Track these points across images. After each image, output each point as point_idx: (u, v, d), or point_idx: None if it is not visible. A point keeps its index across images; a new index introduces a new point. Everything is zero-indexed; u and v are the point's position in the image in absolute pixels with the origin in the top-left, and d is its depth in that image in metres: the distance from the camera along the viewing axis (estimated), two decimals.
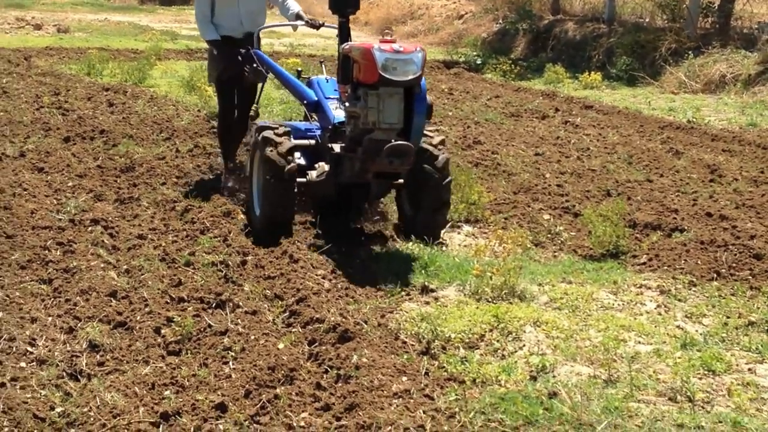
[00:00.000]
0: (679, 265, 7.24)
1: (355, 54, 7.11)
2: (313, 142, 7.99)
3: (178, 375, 5.07)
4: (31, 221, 7.50)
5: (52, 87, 14.52)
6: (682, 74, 18.08)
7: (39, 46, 20.95)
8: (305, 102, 8.42)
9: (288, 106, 13.54)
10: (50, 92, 13.91)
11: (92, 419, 4.55)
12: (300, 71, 9.09)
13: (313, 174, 7.63)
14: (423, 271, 6.91)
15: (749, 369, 5.35)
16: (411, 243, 7.48)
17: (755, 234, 7.81)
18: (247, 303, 6.08)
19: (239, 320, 5.81)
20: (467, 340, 5.64)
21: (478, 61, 22.47)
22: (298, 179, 7.46)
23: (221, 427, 4.56)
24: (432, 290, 6.61)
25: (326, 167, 7.58)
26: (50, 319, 5.70)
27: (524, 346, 5.59)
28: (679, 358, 5.44)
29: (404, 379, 5.00)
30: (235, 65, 8.91)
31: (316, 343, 5.45)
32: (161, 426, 4.56)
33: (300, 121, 9.04)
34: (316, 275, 6.57)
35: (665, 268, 7.22)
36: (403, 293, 6.46)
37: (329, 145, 7.62)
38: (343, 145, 7.45)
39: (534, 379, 5.16)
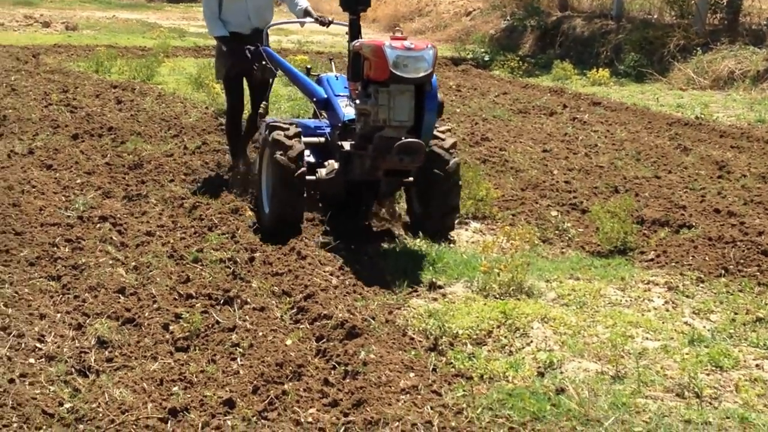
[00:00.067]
0: (686, 261, 7.23)
1: (365, 51, 7.09)
2: (322, 139, 7.97)
3: (186, 371, 5.08)
4: (39, 218, 7.52)
5: (60, 84, 14.55)
6: (690, 70, 18.05)
7: (47, 43, 20.98)
8: (315, 99, 8.40)
9: (296, 102, 13.55)
10: (58, 90, 13.93)
11: (101, 415, 4.57)
12: (309, 68, 9.09)
13: (322, 172, 7.62)
14: (430, 268, 6.92)
15: (757, 365, 5.34)
16: (419, 240, 7.48)
17: (763, 230, 7.79)
18: (255, 299, 6.09)
19: (247, 317, 5.82)
20: (475, 337, 5.65)
21: (486, 58, 22.45)
22: (308, 177, 7.45)
23: (229, 423, 4.57)
24: (440, 287, 6.62)
25: (336, 165, 7.57)
26: (59, 315, 5.72)
27: (532, 342, 5.60)
28: (687, 354, 5.44)
29: (412, 375, 5.00)
30: (244, 62, 8.90)
31: (324, 340, 5.47)
32: (169, 422, 4.57)
33: (309, 118, 9.04)
34: (324, 272, 6.58)
35: (673, 264, 7.21)
36: (410, 290, 6.47)
37: (339, 142, 7.60)
38: (352, 142, 7.43)
39: (541, 375, 5.17)
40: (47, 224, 7.39)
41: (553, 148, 11.61)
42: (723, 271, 6.99)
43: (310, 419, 4.59)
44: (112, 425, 4.48)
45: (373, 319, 5.71)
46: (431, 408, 4.62)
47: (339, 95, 8.10)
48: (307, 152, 7.61)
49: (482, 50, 23.40)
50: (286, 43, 23.42)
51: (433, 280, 6.69)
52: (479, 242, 7.76)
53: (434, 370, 5.16)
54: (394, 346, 5.42)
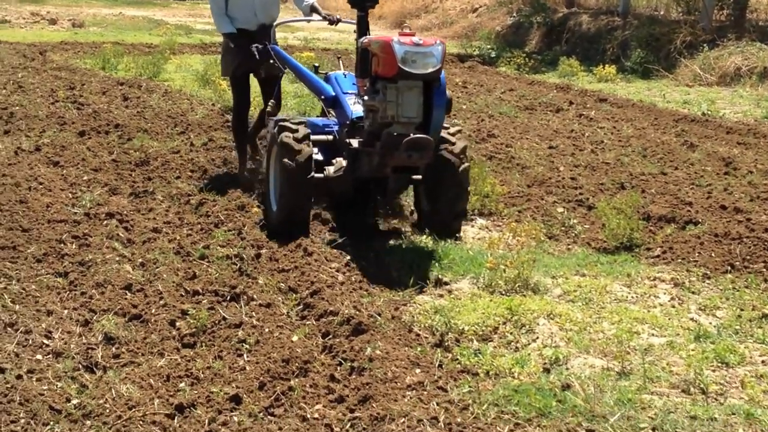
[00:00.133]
0: (693, 257, 7.23)
1: (374, 47, 7.06)
2: (330, 137, 7.95)
3: (192, 367, 5.10)
4: (46, 215, 7.54)
5: (67, 81, 14.58)
6: (697, 67, 18.02)
7: (54, 40, 21.04)
8: (323, 97, 8.38)
9: (302, 99, 13.56)
10: (65, 86, 13.96)
11: (108, 411, 4.58)
12: (317, 66, 9.08)
13: (330, 170, 7.60)
14: (436, 264, 6.92)
15: (763, 361, 5.34)
16: (425, 236, 7.48)
17: None
18: (261, 296, 6.10)
19: (253, 313, 5.84)
20: (481, 333, 5.66)
21: (492, 55, 22.44)
22: (316, 175, 7.43)
23: (235, 419, 4.59)
24: (445, 283, 6.62)
25: (344, 163, 7.55)
26: (66, 311, 5.74)
27: (537, 338, 5.60)
28: (693, 350, 5.44)
29: (418, 371, 5.02)
30: (250, 61, 8.89)
31: (330, 336, 5.48)
32: (176, 418, 4.59)
33: (316, 116, 9.03)
34: (330, 268, 6.60)
35: (679, 260, 7.21)
36: (416, 286, 6.46)
37: (347, 140, 7.58)
38: (360, 140, 7.40)
39: (547, 371, 5.17)
40: (54, 221, 7.41)
41: (560, 144, 11.61)
42: (729, 268, 6.98)
43: (316, 415, 4.60)
44: (119, 421, 4.50)
45: (379, 315, 5.72)
46: (437, 404, 4.64)
47: (347, 93, 8.08)
48: (315, 150, 7.59)
49: (488, 47, 23.40)
50: (293, 40, 23.44)
51: (439, 276, 6.69)
52: (485, 239, 7.76)
53: (440, 366, 5.18)
54: (400, 342, 5.44)
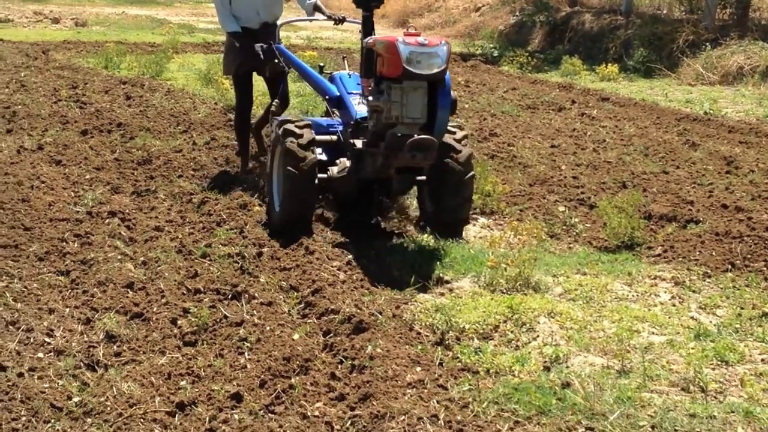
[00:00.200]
0: (693, 256, 7.24)
1: (379, 47, 7.02)
2: (334, 138, 7.93)
3: (194, 365, 5.12)
4: (48, 213, 7.56)
5: (69, 80, 14.60)
6: (699, 66, 18.01)
7: (57, 39, 21.05)
8: (327, 97, 8.37)
9: (305, 99, 13.57)
10: (68, 85, 13.98)
11: (109, 409, 4.60)
12: (322, 66, 9.07)
13: (334, 170, 7.58)
14: (438, 263, 6.93)
15: (762, 360, 5.35)
16: (426, 235, 7.49)
17: None
18: (262, 294, 6.12)
19: (255, 311, 5.85)
20: (481, 331, 5.67)
21: (495, 54, 22.44)
22: (320, 175, 7.42)
23: (236, 416, 4.60)
24: (447, 282, 6.64)
25: (348, 163, 7.53)
26: (68, 310, 5.76)
27: (538, 336, 5.62)
28: (693, 348, 5.46)
29: (418, 369, 5.03)
30: (253, 60, 8.89)
31: (331, 334, 5.50)
32: (177, 415, 4.61)
33: (320, 115, 9.01)
34: (332, 267, 6.61)
35: (680, 259, 7.22)
36: (417, 285, 6.47)
37: (351, 140, 7.57)
38: (365, 140, 7.38)
39: (547, 369, 5.18)
40: (56, 219, 7.43)
41: (562, 143, 11.62)
42: (730, 266, 6.99)
43: (316, 413, 4.62)
44: (120, 419, 4.52)
45: (380, 313, 5.73)
46: (437, 402, 4.65)
47: (351, 93, 8.05)
48: (319, 150, 7.59)
49: (491, 46, 23.41)
50: (295, 39, 23.44)
51: (441, 275, 6.70)
52: (487, 237, 7.78)
53: (440, 364, 5.19)
54: (401, 340, 5.45)
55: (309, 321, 5.74)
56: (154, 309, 5.84)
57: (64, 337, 5.37)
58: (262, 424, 4.53)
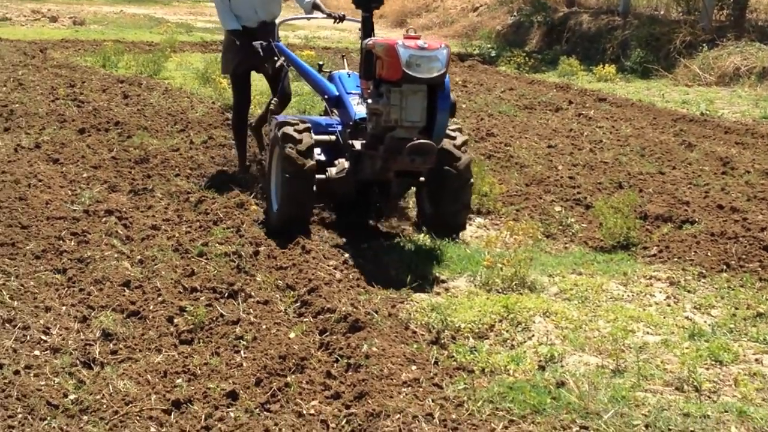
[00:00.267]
0: (689, 256, 7.27)
1: (378, 50, 6.99)
2: (333, 138, 7.90)
3: (190, 363, 5.13)
4: (45, 212, 7.57)
5: (67, 79, 14.61)
6: (696, 67, 18.05)
7: (54, 38, 21.05)
8: (326, 97, 8.35)
9: (302, 98, 13.57)
10: (65, 84, 13.99)
11: (105, 406, 4.62)
12: (321, 65, 9.06)
13: (332, 171, 7.56)
14: (434, 262, 6.95)
15: (756, 359, 5.38)
16: (423, 235, 7.50)
17: (766, 226, 7.82)
18: (259, 293, 6.13)
19: (251, 310, 5.87)
20: (477, 330, 5.69)
21: (493, 54, 22.47)
22: (318, 176, 7.39)
23: (232, 414, 4.62)
24: (443, 281, 6.65)
25: (346, 164, 7.51)
26: (64, 308, 5.78)
27: (533, 336, 5.63)
28: (687, 348, 5.47)
29: (414, 368, 5.05)
30: (252, 59, 8.88)
31: (327, 333, 5.51)
32: (173, 413, 4.63)
33: (318, 114, 8.99)
34: (328, 266, 6.63)
35: (675, 259, 7.24)
36: (414, 284, 6.48)
37: (350, 141, 7.54)
38: (363, 142, 7.36)
39: (542, 368, 5.20)
40: (53, 218, 7.44)
41: (558, 143, 11.64)
42: (725, 267, 7.02)
43: (312, 411, 4.64)
44: (116, 416, 4.54)
45: (376, 312, 5.75)
46: (432, 400, 4.67)
47: (351, 93, 8.01)
48: (317, 150, 7.56)
49: (489, 46, 23.44)
50: (293, 39, 23.45)
51: (437, 274, 6.72)
52: (483, 237, 7.79)
53: (436, 363, 5.20)
54: (397, 339, 5.46)
55: (305, 320, 5.75)
56: (151, 307, 5.85)
57: (61, 335, 5.38)
58: (257, 422, 4.55)
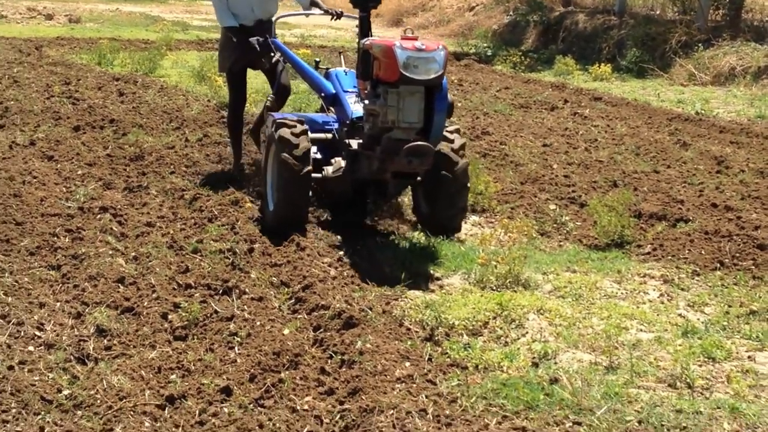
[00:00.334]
0: (683, 254, 7.28)
1: (375, 51, 6.96)
2: (329, 135, 7.88)
3: (184, 359, 5.14)
4: (40, 208, 7.57)
5: (62, 76, 14.59)
6: (691, 66, 18.06)
7: (50, 36, 21.03)
8: (322, 95, 8.33)
9: (298, 96, 13.55)
10: (61, 82, 13.97)
11: (99, 401, 4.63)
12: (318, 62, 9.04)
13: (329, 170, 7.55)
14: (429, 260, 6.96)
15: (749, 357, 5.40)
16: (417, 232, 7.51)
17: (760, 225, 7.84)
18: (253, 290, 6.14)
19: (245, 306, 5.88)
20: (471, 327, 5.70)
21: (489, 53, 22.48)
22: (314, 175, 7.38)
23: (226, 410, 4.63)
24: (437, 278, 6.67)
25: (343, 163, 7.49)
26: (58, 304, 5.78)
27: (527, 333, 5.65)
28: (680, 345, 5.49)
29: (407, 364, 5.06)
30: (248, 56, 8.87)
31: (321, 329, 5.53)
32: (167, 409, 4.64)
33: (315, 111, 8.94)
34: (323, 263, 6.64)
35: (669, 257, 7.26)
36: (408, 281, 6.49)
37: (346, 140, 7.52)
38: (360, 141, 7.33)
39: (536, 365, 5.22)
40: (48, 214, 7.44)
41: (554, 142, 11.65)
42: (718, 265, 7.04)
43: (306, 407, 4.65)
44: (109, 411, 4.54)
45: (371, 309, 5.76)
46: (426, 396, 4.68)
47: (347, 91, 7.99)
48: (313, 149, 7.53)
49: (485, 45, 23.46)
50: (290, 37, 23.44)
51: (431, 271, 6.74)
52: (478, 235, 7.80)
53: (430, 359, 5.22)
54: (391, 336, 5.48)
55: (299, 316, 5.76)
56: (145, 304, 5.85)
57: (55, 331, 5.38)
58: (251, 417, 4.55)
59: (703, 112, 14.31)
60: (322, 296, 5.89)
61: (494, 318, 5.82)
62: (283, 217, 7.33)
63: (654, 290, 6.55)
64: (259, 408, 4.68)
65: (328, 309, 5.67)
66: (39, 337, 5.28)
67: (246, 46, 8.73)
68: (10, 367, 4.84)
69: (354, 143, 7.42)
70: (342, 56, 9.65)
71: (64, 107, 11.99)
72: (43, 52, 17.85)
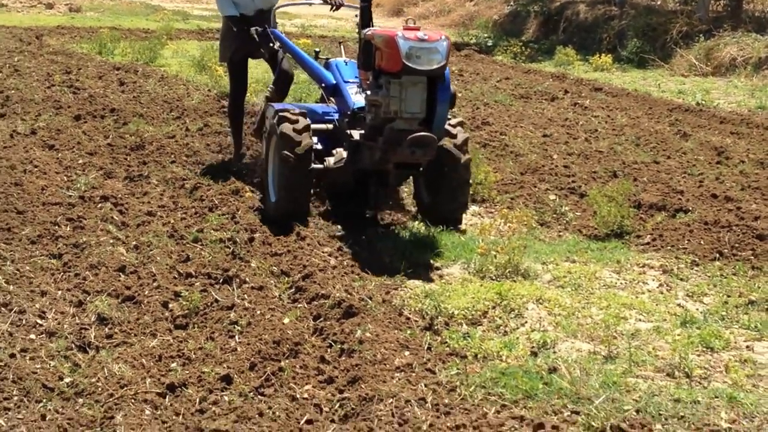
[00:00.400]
0: (682, 245, 7.29)
1: (377, 41, 6.93)
2: (330, 126, 7.86)
3: (184, 348, 5.17)
4: (41, 197, 7.59)
5: (63, 66, 14.59)
6: (692, 57, 18.07)
7: (51, 25, 21.04)
8: (323, 85, 8.32)
9: (298, 86, 13.53)
10: (61, 71, 13.97)
11: (100, 389, 4.65)
12: (318, 52, 9.03)
13: (330, 160, 7.53)
14: (428, 250, 6.97)
15: (747, 346, 5.41)
16: (417, 222, 7.53)
17: (759, 215, 7.85)
18: (253, 279, 6.16)
19: (246, 295, 5.90)
20: (470, 317, 5.72)
21: (489, 43, 22.50)
22: (315, 165, 7.37)
23: (226, 398, 4.65)
24: (437, 268, 6.68)
25: (344, 154, 7.48)
26: (60, 292, 5.80)
27: (526, 322, 5.67)
28: (679, 335, 5.50)
29: (407, 353, 5.08)
30: (249, 45, 8.86)
31: (321, 318, 5.55)
32: (167, 397, 4.66)
33: (315, 101, 8.93)
34: (323, 252, 6.65)
35: (668, 248, 7.27)
36: (408, 271, 6.50)
37: (348, 131, 7.50)
38: (362, 132, 7.31)
39: (535, 354, 5.23)
40: (49, 203, 7.46)
41: (554, 132, 11.65)
42: (718, 255, 7.05)
43: (305, 395, 4.67)
44: (111, 399, 4.56)
45: (370, 298, 5.78)
46: (425, 385, 4.70)
47: (348, 82, 7.96)
48: (314, 139, 7.50)
49: (485, 35, 23.48)
50: (290, 27, 23.44)
51: (431, 261, 6.75)
52: (477, 225, 7.82)
53: (429, 348, 5.24)
54: (390, 325, 5.50)
55: (299, 305, 5.79)
56: (146, 292, 5.88)
57: (56, 319, 5.41)
58: (251, 405, 4.58)
59: (703, 102, 14.31)
60: (322, 285, 5.91)
61: (493, 307, 5.83)
62: (284, 210, 7.34)
63: (653, 280, 6.56)
64: (259, 396, 4.70)
65: (328, 298, 5.70)
66: (40, 326, 5.30)
67: (246, 35, 8.72)
68: (12, 355, 4.86)
69: (355, 134, 7.40)
70: (342, 46, 9.63)
71: (65, 96, 12.00)
72: (43, 41, 17.86)
